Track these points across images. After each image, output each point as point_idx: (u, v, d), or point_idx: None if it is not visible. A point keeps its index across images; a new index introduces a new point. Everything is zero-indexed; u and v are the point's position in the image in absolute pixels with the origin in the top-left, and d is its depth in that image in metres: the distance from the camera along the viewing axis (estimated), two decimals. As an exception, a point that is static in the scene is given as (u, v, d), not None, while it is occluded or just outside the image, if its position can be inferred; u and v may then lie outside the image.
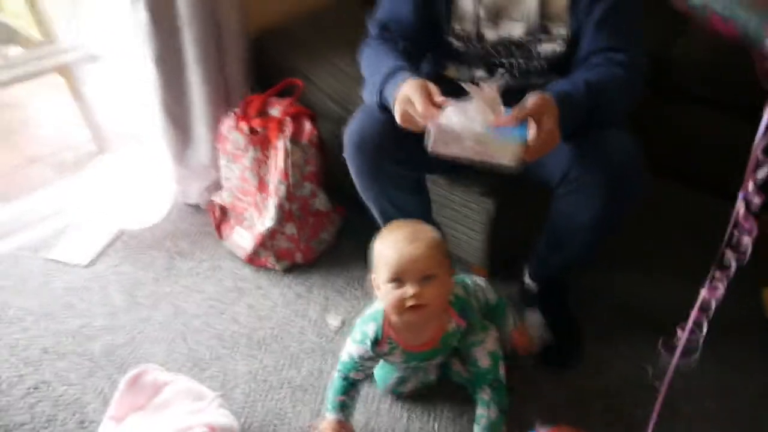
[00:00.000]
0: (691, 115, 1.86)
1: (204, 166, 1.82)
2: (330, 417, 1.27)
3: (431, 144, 1.09)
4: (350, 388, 1.27)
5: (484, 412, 1.29)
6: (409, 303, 1.10)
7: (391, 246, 1.13)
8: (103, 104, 2.05)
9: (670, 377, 0.90)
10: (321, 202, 1.72)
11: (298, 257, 1.72)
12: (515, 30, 1.32)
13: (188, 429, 1.22)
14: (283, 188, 1.62)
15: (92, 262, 1.73)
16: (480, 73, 1.39)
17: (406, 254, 1.11)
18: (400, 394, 1.41)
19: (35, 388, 1.41)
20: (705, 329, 0.86)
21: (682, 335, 0.83)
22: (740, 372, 1.46)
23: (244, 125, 1.63)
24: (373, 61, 1.31)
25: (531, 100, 1.11)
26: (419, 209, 1.43)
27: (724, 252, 0.77)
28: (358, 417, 1.33)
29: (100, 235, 1.80)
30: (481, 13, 1.31)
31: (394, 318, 1.20)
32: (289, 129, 1.61)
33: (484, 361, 1.29)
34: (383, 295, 1.15)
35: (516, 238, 1.63)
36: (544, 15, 1.29)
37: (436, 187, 1.53)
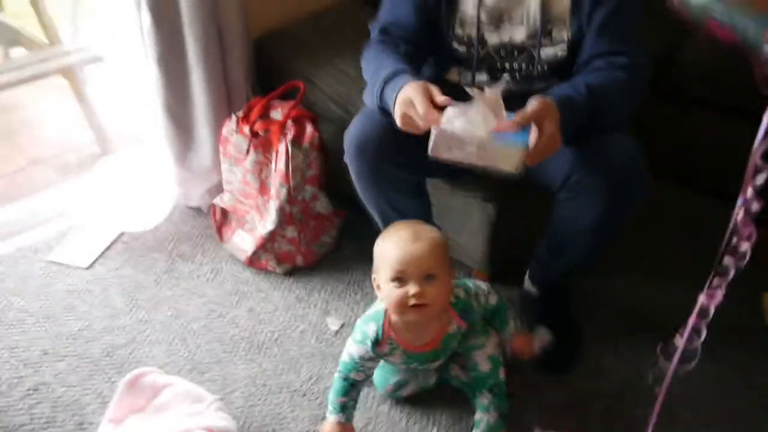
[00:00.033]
0: (693, 117, 1.86)
1: (206, 169, 1.83)
2: (331, 419, 1.27)
3: (432, 148, 1.09)
4: (351, 389, 1.27)
5: (483, 417, 1.29)
6: (411, 302, 1.10)
7: (394, 245, 1.14)
8: (106, 106, 2.06)
9: (668, 383, 0.89)
10: (322, 205, 1.72)
11: (299, 260, 1.72)
12: (517, 34, 1.32)
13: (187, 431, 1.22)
14: (284, 191, 1.62)
15: (93, 264, 1.73)
16: (482, 77, 1.39)
17: (409, 253, 1.11)
18: (398, 397, 1.40)
19: (35, 390, 1.41)
20: (703, 335, 0.85)
21: (681, 341, 0.82)
22: (740, 378, 1.45)
23: (246, 128, 1.64)
24: (373, 64, 1.31)
25: (532, 104, 1.11)
26: (419, 213, 1.43)
27: (723, 258, 0.76)
28: (357, 420, 1.33)
29: (101, 237, 1.80)
30: (483, 17, 1.31)
31: (395, 318, 1.20)
32: (290, 132, 1.61)
33: (484, 366, 1.29)
34: (385, 294, 1.15)
35: (517, 242, 1.63)
36: (546, 19, 1.29)
37: (437, 191, 1.53)
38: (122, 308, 1.61)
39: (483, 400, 1.29)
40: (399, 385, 1.38)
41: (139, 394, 1.31)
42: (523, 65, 1.35)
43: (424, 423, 1.37)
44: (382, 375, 1.38)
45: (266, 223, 1.67)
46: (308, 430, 1.35)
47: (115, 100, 1.92)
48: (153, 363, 1.45)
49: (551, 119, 1.11)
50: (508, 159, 1.08)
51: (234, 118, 1.67)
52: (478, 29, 1.32)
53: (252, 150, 1.63)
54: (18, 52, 2.51)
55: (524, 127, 1.09)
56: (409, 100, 1.13)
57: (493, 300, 1.33)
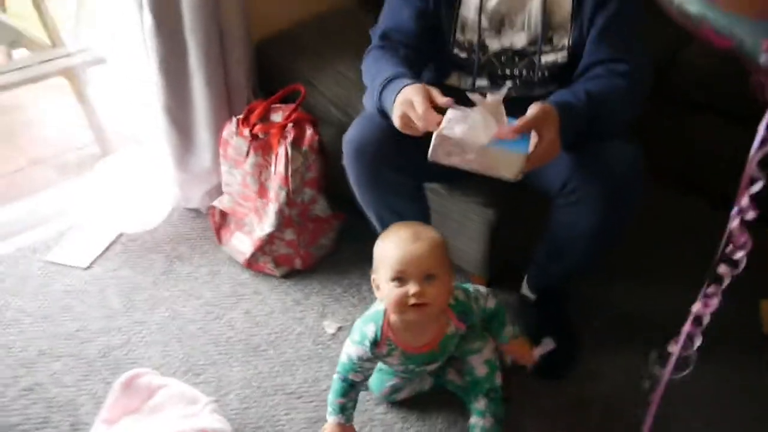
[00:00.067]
0: (693, 121, 1.86)
1: (205, 171, 1.83)
2: (331, 420, 1.28)
3: (432, 153, 1.09)
4: (349, 390, 1.27)
5: (478, 422, 1.28)
6: (412, 301, 1.10)
7: (394, 245, 1.14)
8: (107, 107, 2.06)
9: (661, 390, 0.89)
10: (321, 208, 1.72)
11: (297, 263, 1.72)
12: (518, 40, 1.32)
13: (181, 433, 1.22)
14: (283, 194, 1.62)
15: (91, 265, 1.73)
16: (482, 82, 1.39)
17: (409, 253, 1.11)
18: (394, 401, 1.40)
19: (30, 390, 1.41)
20: (698, 342, 0.85)
21: (675, 349, 0.82)
22: (737, 385, 1.45)
23: (246, 131, 1.64)
24: (373, 68, 1.31)
25: (532, 110, 1.11)
26: (418, 217, 1.43)
27: (717, 266, 0.76)
28: (353, 422, 1.32)
29: (100, 237, 1.81)
30: (484, 22, 1.31)
31: (394, 318, 1.20)
32: (290, 135, 1.61)
33: (480, 370, 1.29)
34: (385, 294, 1.15)
35: (515, 247, 1.62)
36: (547, 25, 1.29)
37: (436, 196, 1.52)
38: (119, 309, 1.61)
39: (478, 404, 1.29)
40: (395, 389, 1.38)
41: (134, 395, 1.31)
42: (524, 71, 1.35)
43: (419, 426, 1.37)
44: (378, 378, 1.38)
45: (265, 225, 1.67)
46: (303, 433, 1.35)
47: (115, 101, 1.92)
48: (148, 364, 1.45)
49: (551, 125, 1.11)
50: (507, 165, 1.08)
51: (234, 120, 1.67)
52: (479, 35, 1.32)
53: (252, 152, 1.63)
54: (20, 53, 2.52)
55: (524, 134, 1.09)
56: (408, 100, 1.13)
57: (491, 303, 1.32)
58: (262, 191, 1.66)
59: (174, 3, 1.56)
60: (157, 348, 1.51)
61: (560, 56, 1.32)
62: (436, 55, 1.39)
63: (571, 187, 1.25)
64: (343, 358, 1.26)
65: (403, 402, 1.40)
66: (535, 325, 1.54)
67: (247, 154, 1.64)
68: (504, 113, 1.08)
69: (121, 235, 1.82)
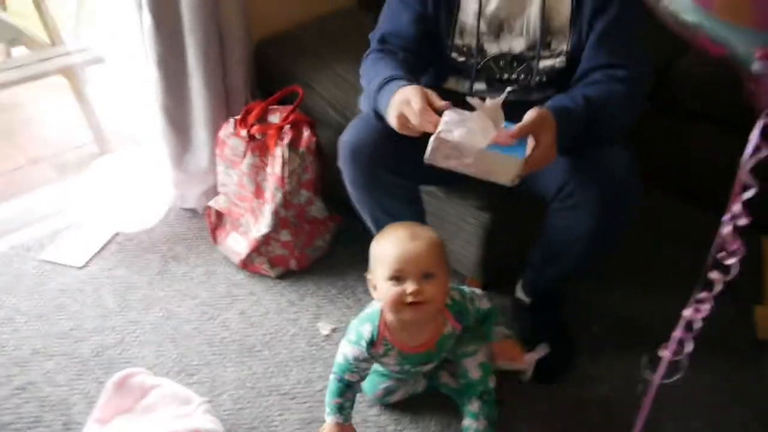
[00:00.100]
0: (691, 129, 1.86)
1: (202, 171, 1.83)
2: (329, 420, 1.28)
3: (430, 155, 1.09)
4: (346, 390, 1.27)
5: (472, 424, 1.29)
6: (409, 299, 1.10)
7: (392, 243, 1.14)
8: (106, 106, 2.06)
9: (652, 395, 0.89)
10: (317, 209, 1.72)
11: (293, 264, 1.72)
12: (516, 45, 1.32)
13: (173, 434, 1.22)
14: (279, 195, 1.62)
15: (87, 264, 1.73)
16: (480, 86, 1.39)
17: (407, 251, 1.11)
18: (387, 403, 1.40)
19: (23, 389, 1.41)
20: (689, 348, 0.85)
21: (665, 354, 0.82)
22: (730, 390, 1.45)
23: (243, 131, 1.64)
24: (371, 71, 1.32)
25: (530, 115, 1.11)
26: (413, 219, 1.42)
27: (708, 272, 0.76)
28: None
29: (96, 237, 1.81)
30: (483, 27, 1.31)
31: (390, 317, 1.20)
32: (287, 136, 1.61)
33: (474, 373, 1.29)
34: (382, 293, 1.14)
35: (510, 250, 1.62)
36: (546, 30, 1.29)
37: (432, 199, 1.53)
38: (113, 308, 1.61)
39: (472, 407, 1.29)
40: (388, 391, 1.38)
41: (127, 394, 1.31)
42: (522, 76, 1.35)
43: (412, 428, 1.37)
44: (372, 380, 1.38)
45: (261, 226, 1.67)
46: (296, 434, 1.35)
47: (114, 100, 1.92)
48: (142, 364, 1.45)
49: (548, 130, 1.11)
50: (505, 170, 1.08)
51: (232, 121, 1.68)
52: (478, 39, 1.32)
53: (249, 153, 1.63)
54: (20, 51, 2.53)
55: (521, 138, 1.09)
56: (405, 100, 1.13)
57: (485, 305, 1.33)
58: (258, 192, 1.66)
59: (173, 3, 1.56)
60: (151, 348, 1.51)
61: (558, 61, 1.32)
62: (435, 59, 1.39)
63: (568, 191, 1.25)
64: (339, 359, 1.26)
65: (397, 404, 1.40)
66: (530, 328, 1.54)
67: (244, 154, 1.64)
68: (502, 118, 1.08)
69: (116, 234, 1.82)
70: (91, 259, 1.74)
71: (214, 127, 1.73)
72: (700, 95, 1.78)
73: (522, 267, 1.56)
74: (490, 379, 1.31)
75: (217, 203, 1.76)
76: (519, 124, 1.09)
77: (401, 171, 1.32)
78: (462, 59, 1.36)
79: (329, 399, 1.28)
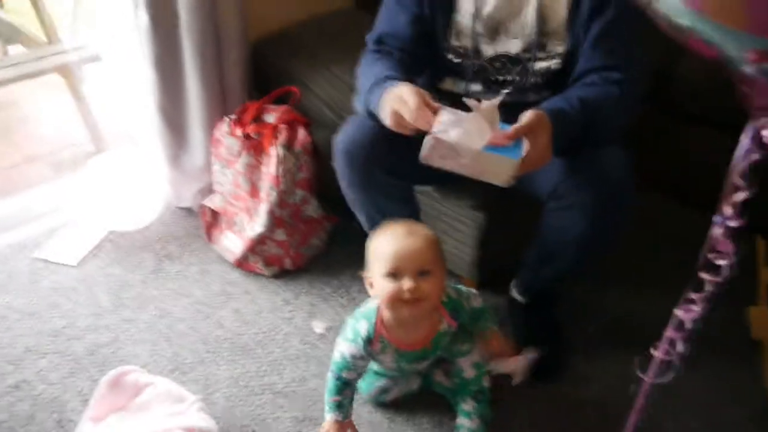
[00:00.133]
0: (688, 132, 1.87)
1: (198, 170, 1.83)
2: (328, 418, 1.28)
3: (425, 154, 1.09)
4: (344, 387, 1.27)
5: (465, 423, 1.29)
6: (407, 296, 1.10)
7: (389, 240, 1.14)
8: (102, 105, 2.06)
9: (644, 394, 0.89)
10: (312, 209, 1.72)
11: (287, 263, 1.72)
12: (512, 46, 1.32)
13: (166, 432, 1.22)
14: (274, 194, 1.62)
15: (81, 263, 1.73)
16: (476, 87, 1.40)
17: (404, 248, 1.11)
18: (382, 402, 1.41)
19: (16, 387, 1.41)
20: (681, 348, 0.85)
21: (657, 354, 0.83)
22: (724, 390, 1.45)
23: (239, 131, 1.64)
24: (367, 71, 1.32)
25: (526, 117, 1.11)
26: (408, 219, 1.43)
27: (700, 273, 0.77)
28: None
29: (90, 235, 1.80)
30: (479, 28, 1.32)
31: (387, 315, 1.20)
32: (283, 136, 1.61)
33: (468, 372, 1.30)
34: (379, 290, 1.14)
35: (506, 250, 1.63)
36: (542, 32, 1.29)
37: (427, 199, 1.53)
38: (107, 307, 1.61)
39: (466, 406, 1.30)
40: (383, 390, 1.38)
41: (121, 392, 1.30)
42: (517, 77, 1.36)
43: (406, 427, 1.37)
44: (367, 379, 1.38)
45: (255, 225, 1.67)
46: (289, 433, 1.35)
47: (110, 99, 1.92)
48: (136, 362, 1.45)
49: (543, 132, 1.12)
50: (500, 171, 1.08)
51: (227, 120, 1.68)
52: (475, 41, 1.33)
53: (244, 152, 1.63)
54: (16, 50, 2.52)
55: (517, 140, 1.10)
56: (400, 97, 1.13)
57: (477, 303, 1.33)
58: (253, 191, 1.67)
59: (170, 2, 1.56)
60: (145, 346, 1.51)
61: (554, 63, 1.32)
62: (431, 60, 1.40)
63: (562, 192, 1.25)
64: (336, 357, 1.26)
65: (391, 403, 1.41)
66: (525, 328, 1.54)
67: (240, 154, 1.64)
68: (498, 119, 1.08)
69: (111, 232, 1.82)
70: (85, 258, 1.74)
71: (210, 127, 1.73)
72: (699, 98, 1.79)
73: (517, 267, 1.56)
74: (484, 378, 1.31)
75: (213, 202, 1.76)
76: (515, 126, 1.09)
77: (396, 171, 1.32)
78: (458, 60, 1.36)
79: (328, 397, 1.28)
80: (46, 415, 1.36)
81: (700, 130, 1.84)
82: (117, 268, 1.72)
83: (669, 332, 0.82)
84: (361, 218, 1.44)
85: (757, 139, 0.72)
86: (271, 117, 1.67)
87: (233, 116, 1.68)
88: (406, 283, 1.10)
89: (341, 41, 1.85)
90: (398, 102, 1.13)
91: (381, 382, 1.38)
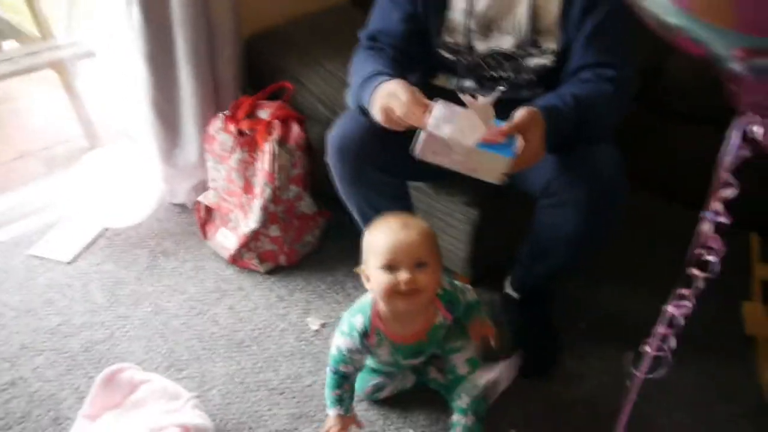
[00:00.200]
0: (678, 130, 1.87)
1: (192, 166, 1.83)
2: (330, 412, 1.29)
3: (419, 149, 1.10)
4: (343, 381, 1.28)
5: (460, 419, 1.29)
6: (403, 288, 1.11)
7: (384, 233, 1.14)
8: (96, 100, 2.05)
9: (636, 390, 0.90)
10: (306, 205, 1.73)
11: (282, 259, 1.72)
12: (505, 43, 1.32)
13: (161, 429, 1.22)
14: (268, 190, 1.62)
15: (75, 259, 1.73)
16: (469, 83, 1.40)
17: (400, 240, 1.11)
18: (377, 399, 1.41)
19: (11, 384, 1.41)
20: (672, 344, 0.86)
21: (648, 350, 0.83)
22: (717, 386, 1.46)
23: (232, 127, 1.64)
24: (359, 68, 1.32)
25: (519, 114, 1.11)
26: (402, 214, 1.44)
27: (689, 269, 0.77)
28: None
29: (84, 231, 1.80)
30: (472, 25, 1.32)
31: (383, 308, 1.20)
32: (276, 132, 1.61)
33: (462, 369, 1.30)
34: (375, 283, 1.15)
35: (499, 246, 1.63)
36: (535, 29, 1.29)
37: (421, 195, 1.53)
38: (102, 304, 1.61)
39: (460, 402, 1.30)
40: (377, 388, 1.39)
41: (116, 390, 1.31)
42: (511, 74, 1.36)
43: (400, 424, 1.38)
44: (362, 377, 1.38)
45: (250, 221, 1.67)
46: (285, 429, 1.35)
47: (104, 95, 1.92)
48: (131, 359, 1.45)
49: (536, 129, 1.12)
50: (493, 168, 1.09)
51: (221, 116, 1.67)
52: (468, 37, 1.33)
53: (237, 148, 1.63)
54: (10, 45, 2.51)
55: (510, 137, 1.10)
56: (391, 92, 1.14)
57: (471, 297, 1.34)
58: (247, 187, 1.67)
59: (163, -3, 1.56)
60: (140, 343, 1.51)
61: (547, 60, 1.32)
62: (424, 57, 1.40)
63: (555, 189, 1.25)
64: (333, 351, 1.27)
65: (386, 400, 1.41)
66: (518, 323, 1.55)
67: (233, 150, 1.64)
68: (493, 116, 1.08)
69: (105, 229, 1.82)
70: (79, 254, 1.74)
71: (204, 123, 1.73)
72: (686, 96, 1.79)
73: (510, 263, 1.57)
74: (478, 374, 1.32)
75: (207, 198, 1.76)
76: (508, 123, 1.10)
77: (388, 167, 1.33)
78: (451, 57, 1.36)
79: (328, 392, 1.29)
80: (42, 412, 1.36)
81: (688, 128, 1.84)
82: (111, 265, 1.72)
83: (660, 328, 0.82)
84: (354, 214, 1.45)
85: (745, 135, 0.73)
86: (264, 113, 1.67)
87: (227, 112, 1.68)
88: (403, 275, 1.10)
89: (335, 38, 1.85)
90: (390, 98, 1.13)
91: (375, 380, 1.38)
